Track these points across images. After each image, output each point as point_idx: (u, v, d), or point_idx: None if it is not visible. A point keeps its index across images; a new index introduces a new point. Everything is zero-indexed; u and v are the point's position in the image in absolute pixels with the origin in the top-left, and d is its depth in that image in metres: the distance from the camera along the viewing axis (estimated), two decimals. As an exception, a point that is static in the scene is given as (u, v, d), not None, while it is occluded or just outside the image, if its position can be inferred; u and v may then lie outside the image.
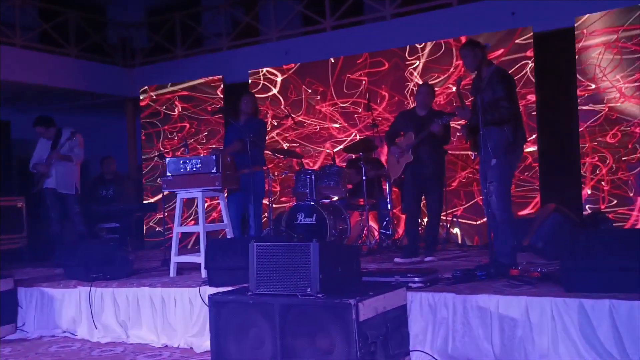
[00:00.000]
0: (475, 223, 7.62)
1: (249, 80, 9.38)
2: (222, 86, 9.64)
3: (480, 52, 4.82)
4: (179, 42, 10.67)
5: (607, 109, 7.11)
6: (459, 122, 5.93)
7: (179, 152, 8.75)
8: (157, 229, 9.81)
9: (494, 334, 3.72)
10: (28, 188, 7.30)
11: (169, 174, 5.47)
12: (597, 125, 7.17)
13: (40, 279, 5.80)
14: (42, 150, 7.07)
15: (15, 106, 10.70)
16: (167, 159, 5.56)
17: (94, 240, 7.23)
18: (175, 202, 5.71)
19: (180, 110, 9.93)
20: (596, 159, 7.18)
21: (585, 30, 7.23)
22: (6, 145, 10.17)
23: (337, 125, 8.69)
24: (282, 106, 9.02)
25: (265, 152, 6.81)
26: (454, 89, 5.25)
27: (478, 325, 3.78)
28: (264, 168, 6.56)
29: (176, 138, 9.83)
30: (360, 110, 8.44)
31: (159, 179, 8.22)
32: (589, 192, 7.16)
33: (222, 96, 9.63)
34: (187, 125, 9.86)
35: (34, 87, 9.76)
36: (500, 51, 7.62)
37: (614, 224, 6.54)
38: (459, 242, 7.40)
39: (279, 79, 9.18)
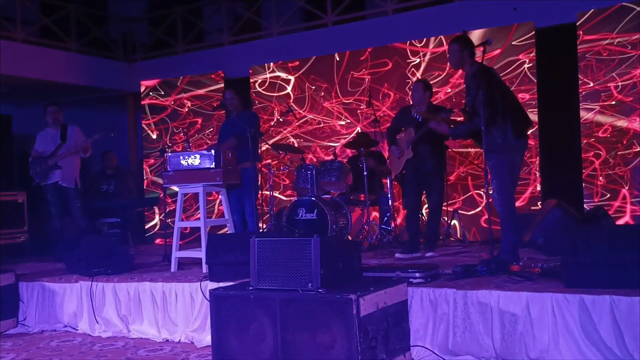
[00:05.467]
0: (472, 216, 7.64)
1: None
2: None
3: (468, 53, 4.79)
4: (180, 37, 10.66)
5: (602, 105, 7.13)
6: (459, 118, 5.93)
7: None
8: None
9: (494, 330, 3.73)
10: (29, 182, 7.25)
11: (170, 169, 5.48)
12: (593, 120, 7.18)
13: (42, 274, 5.81)
14: (46, 142, 6.99)
15: (17, 101, 10.69)
16: (168, 154, 5.56)
17: (95, 234, 7.22)
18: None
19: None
20: (592, 154, 7.19)
21: (586, 26, 7.21)
22: (7, 140, 10.15)
23: (342, 123, 8.66)
24: (289, 101, 8.98)
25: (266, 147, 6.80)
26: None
27: (479, 320, 3.79)
28: (258, 163, 6.58)
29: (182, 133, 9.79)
30: (363, 106, 8.43)
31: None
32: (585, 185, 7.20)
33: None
34: (188, 122, 9.84)
35: (35, 82, 9.74)
36: (497, 51, 7.61)
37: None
38: (460, 237, 7.40)
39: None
